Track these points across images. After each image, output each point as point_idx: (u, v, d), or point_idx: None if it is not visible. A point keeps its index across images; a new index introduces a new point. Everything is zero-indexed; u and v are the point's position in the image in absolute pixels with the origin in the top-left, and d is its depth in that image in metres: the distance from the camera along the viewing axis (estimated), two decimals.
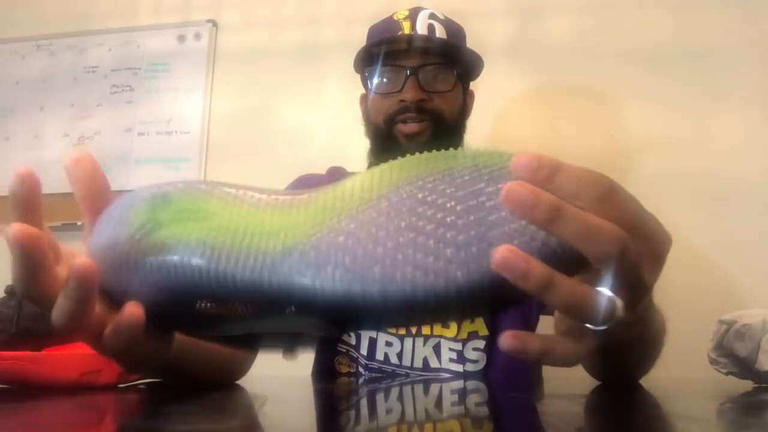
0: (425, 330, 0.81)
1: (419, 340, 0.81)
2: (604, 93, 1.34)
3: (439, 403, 0.45)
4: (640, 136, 1.30)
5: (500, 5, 1.42)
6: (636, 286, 0.28)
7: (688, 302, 1.15)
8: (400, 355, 0.81)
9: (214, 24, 1.57)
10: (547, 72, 1.37)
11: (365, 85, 0.93)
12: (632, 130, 1.31)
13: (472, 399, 0.49)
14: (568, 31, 1.38)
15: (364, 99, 0.94)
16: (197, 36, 1.57)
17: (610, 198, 0.26)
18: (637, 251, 0.27)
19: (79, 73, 1.60)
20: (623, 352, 0.47)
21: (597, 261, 0.26)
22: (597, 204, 0.26)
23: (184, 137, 1.51)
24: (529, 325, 0.84)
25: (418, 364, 0.80)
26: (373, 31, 0.92)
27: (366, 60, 0.89)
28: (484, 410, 0.43)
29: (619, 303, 0.27)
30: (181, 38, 1.57)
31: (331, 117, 1.38)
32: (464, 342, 0.80)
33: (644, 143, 1.29)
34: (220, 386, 0.62)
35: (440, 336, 0.80)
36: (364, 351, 0.82)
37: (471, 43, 0.94)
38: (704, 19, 1.32)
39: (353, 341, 0.84)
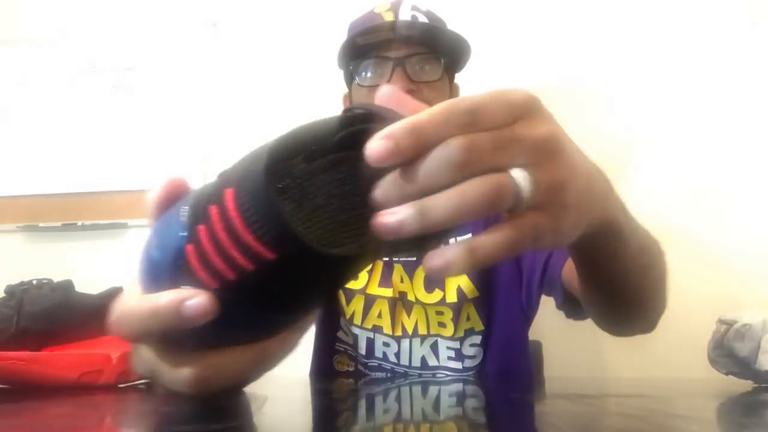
0: (422, 330, 0.81)
1: (416, 341, 0.81)
2: (605, 93, 1.34)
3: (437, 403, 0.45)
4: (639, 137, 1.30)
5: (499, 3, 1.42)
6: (564, 207, 0.27)
7: (688, 302, 1.15)
8: (398, 355, 0.81)
9: (214, 24, 1.57)
10: (545, 71, 1.36)
11: (348, 81, 0.90)
12: (631, 130, 1.31)
13: (471, 399, 0.49)
14: (568, 31, 1.38)
15: (347, 98, 0.92)
16: (197, 36, 1.57)
17: (476, 112, 0.25)
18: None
19: (79, 73, 1.60)
20: (614, 267, 0.44)
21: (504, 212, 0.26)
22: (468, 125, 0.25)
23: (185, 137, 1.51)
24: (526, 314, 0.84)
25: (416, 362, 0.80)
26: (354, 25, 0.89)
27: (349, 53, 0.85)
28: (483, 410, 0.43)
29: (522, 175, 0.26)
30: (182, 38, 1.57)
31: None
32: (461, 340, 0.80)
33: (644, 143, 1.29)
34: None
35: (437, 335, 0.80)
36: (362, 351, 0.82)
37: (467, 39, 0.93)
38: (705, 19, 1.32)
39: (351, 340, 0.84)
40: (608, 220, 0.36)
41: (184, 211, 0.26)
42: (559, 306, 0.78)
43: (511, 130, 0.26)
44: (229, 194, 0.24)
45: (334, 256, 0.25)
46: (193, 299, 0.24)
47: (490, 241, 0.26)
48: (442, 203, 0.25)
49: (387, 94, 0.28)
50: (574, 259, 0.47)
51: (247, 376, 0.30)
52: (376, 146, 0.24)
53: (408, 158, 0.25)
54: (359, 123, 0.27)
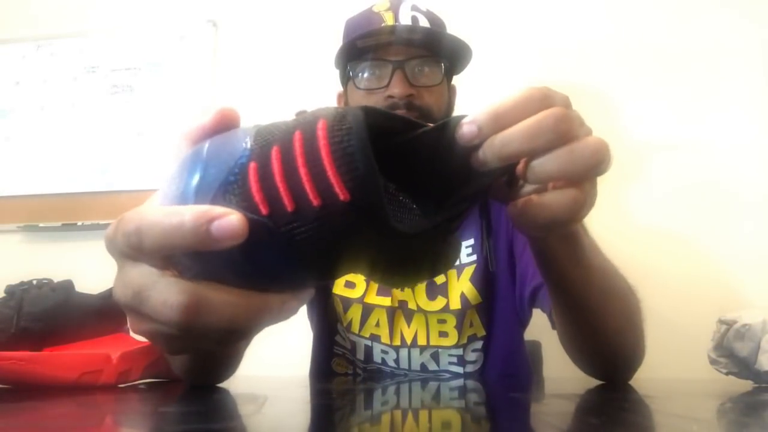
0: (421, 341, 0.79)
1: (415, 351, 0.79)
2: (606, 94, 1.34)
3: (437, 404, 0.45)
4: (640, 138, 1.30)
5: (501, 4, 1.42)
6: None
7: (688, 302, 1.16)
8: (397, 361, 0.80)
9: (214, 24, 1.57)
10: (545, 73, 1.36)
11: (344, 82, 0.88)
12: (633, 131, 1.31)
13: (471, 400, 0.49)
14: (569, 31, 1.38)
15: (341, 97, 0.90)
16: (197, 36, 1.57)
17: (547, 98, 0.30)
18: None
19: (79, 73, 1.60)
20: (583, 288, 0.50)
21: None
22: (541, 109, 0.30)
23: None
24: (522, 321, 0.84)
25: (416, 367, 0.79)
26: (352, 24, 0.86)
27: (347, 55, 0.83)
28: (483, 410, 0.43)
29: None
30: (182, 38, 1.57)
31: None
32: (464, 346, 0.79)
33: (645, 145, 1.29)
34: (214, 383, 0.62)
35: (438, 346, 0.79)
36: (360, 356, 0.81)
37: (469, 42, 0.93)
38: (707, 20, 1.32)
39: (349, 345, 0.83)
40: (575, 229, 0.45)
41: (247, 134, 0.25)
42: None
43: (577, 115, 0.31)
44: (321, 124, 0.23)
45: (398, 231, 0.24)
46: (226, 218, 0.22)
47: (563, 196, 0.32)
48: (557, 156, 0.30)
49: None
50: (539, 261, 0.51)
51: (234, 330, 0.26)
52: (462, 130, 0.29)
53: (486, 136, 0.29)
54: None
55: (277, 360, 0.94)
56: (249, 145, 0.24)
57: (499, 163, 0.29)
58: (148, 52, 1.58)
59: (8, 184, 1.57)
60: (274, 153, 0.23)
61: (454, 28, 0.90)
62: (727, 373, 0.62)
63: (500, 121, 0.29)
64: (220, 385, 0.61)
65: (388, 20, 0.81)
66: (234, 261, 0.24)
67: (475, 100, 1.06)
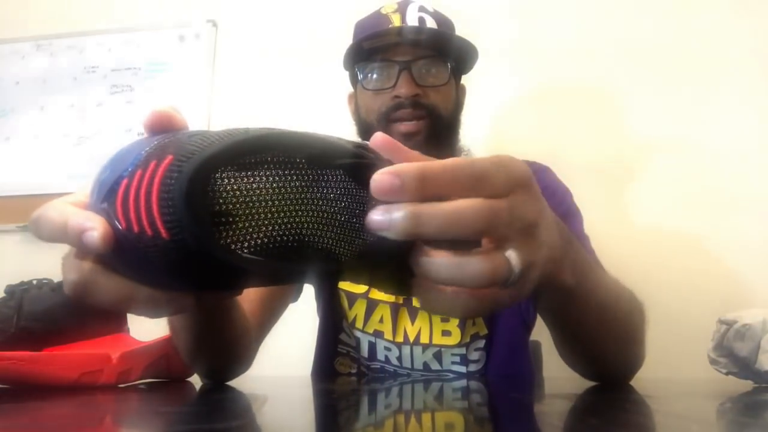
0: (424, 339, 0.79)
1: (417, 348, 0.79)
2: (606, 94, 1.34)
3: (439, 404, 0.45)
4: (641, 138, 1.30)
5: (501, 4, 1.42)
6: (535, 253, 0.29)
7: (688, 302, 1.16)
8: (399, 359, 0.80)
9: (214, 24, 1.57)
10: (547, 72, 1.37)
11: (353, 83, 0.89)
12: (633, 131, 1.31)
13: (471, 400, 0.49)
14: (569, 31, 1.38)
15: (352, 98, 0.91)
16: (197, 36, 1.57)
17: (481, 178, 0.26)
18: (513, 218, 0.27)
19: (79, 73, 1.60)
20: (578, 324, 0.47)
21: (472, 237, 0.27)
22: (470, 188, 0.26)
23: None
24: (526, 323, 0.84)
25: (419, 366, 0.80)
26: (360, 26, 0.88)
27: (355, 56, 0.85)
28: (482, 411, 0.43)
29: (514, 258, 0.27)
30: (181, 38, 1.57)
31: (331, 116, 1.38)
32: (467, 345, 0.79)
33: (645, 145, 1.29)
34: (224, 377, 0.62)
35: (440, 345, 0.79)
36: (365, 354, 0.82)
37: (475, 41, 0.93)
38: (707, 20, 1.32)
39: (353, 343, 0.83)
40: (564, 285, 0.38)
41: (149, 146, 0.26)
42: None
43: (510, 209, 0.27)
44: (167, 160, 0.25)
45: (221, 262, 0.25)
46: (92, 233, 0.25)
47: (454, 303, 0.28)
48: (444, 266, 0.26)
49: (381, 140, 0.29)
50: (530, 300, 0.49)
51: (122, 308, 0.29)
52: (382, 179, 0.25)
53: (406, 200, 0.25)
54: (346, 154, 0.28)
55: (278, 360, 0.94)
56: (139, 159, 0.26)
57: (397, 237, 0.25)
58: (148, 52, 1.58)
59: (8, 184, 1.56)
60: (137, 176, 0.25)
61: (461, 27, 0.90)
62: (727, 373, 0.62)
63: (426, 185, 0.25)
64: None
65: (396, 22, 0.82)
66: (113, 260, 0.27)
67: (481, 100, 1.06)
